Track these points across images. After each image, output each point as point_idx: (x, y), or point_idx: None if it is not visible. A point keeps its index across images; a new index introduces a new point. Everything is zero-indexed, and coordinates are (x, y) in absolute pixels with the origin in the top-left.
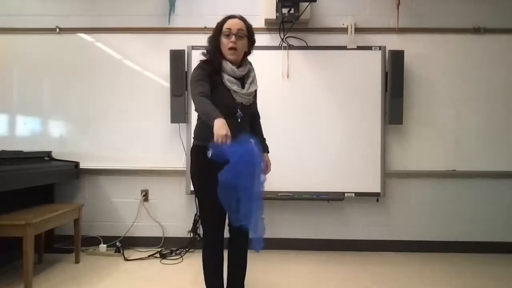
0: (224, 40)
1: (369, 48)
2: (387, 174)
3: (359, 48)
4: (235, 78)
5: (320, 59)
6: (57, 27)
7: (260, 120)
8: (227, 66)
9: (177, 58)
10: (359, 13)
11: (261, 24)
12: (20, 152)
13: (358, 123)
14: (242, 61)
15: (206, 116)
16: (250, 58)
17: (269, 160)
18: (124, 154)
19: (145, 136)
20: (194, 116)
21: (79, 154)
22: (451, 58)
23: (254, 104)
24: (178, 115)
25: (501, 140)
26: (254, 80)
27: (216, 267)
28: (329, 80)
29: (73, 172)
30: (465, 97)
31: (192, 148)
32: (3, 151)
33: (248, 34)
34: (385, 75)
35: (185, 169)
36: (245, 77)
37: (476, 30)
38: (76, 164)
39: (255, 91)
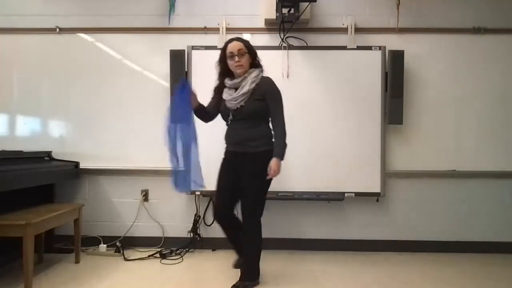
0: (230, 62)
1: (369, 48)
2: (387, 174)
3: (359, 48)
4: (235, 88)
5: (320, 59)
6: (57, 27)
7: (278, 128)
8: (228, 81)
9: (177, 58)
10: (359, 13)
11: (261, 24)
12: (20, 152)
13: (358, 123)
14: (246, 72)
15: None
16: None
17: (275, 166)
18: (124, 154)
19: (145, 136)
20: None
21: (79, 154)
22: (451, 58)
23: (245, 107)
24: None
25: (501, 140)
26: (244, 87)
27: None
28: (329, 80)
29: (73, 172)
30: (465, 97)
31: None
32: (3, 151)
33: (248, 50)
34: (385, 75)
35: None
36: (241, 85)
37: (476, 30)
38: (76, 164)
39: (243, 94)
